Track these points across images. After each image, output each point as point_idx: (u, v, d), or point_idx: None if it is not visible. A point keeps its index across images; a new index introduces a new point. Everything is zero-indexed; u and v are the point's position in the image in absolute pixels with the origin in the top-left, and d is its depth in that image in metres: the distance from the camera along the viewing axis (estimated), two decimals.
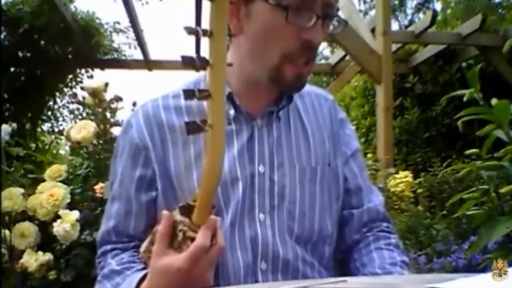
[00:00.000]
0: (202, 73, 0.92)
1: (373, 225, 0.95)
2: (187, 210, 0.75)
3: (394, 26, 9.77)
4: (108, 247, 0.89)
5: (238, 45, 0.87)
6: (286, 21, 0.79)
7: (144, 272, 0.80)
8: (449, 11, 8.14)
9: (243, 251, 0.83)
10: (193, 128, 0.69)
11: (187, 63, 0.67)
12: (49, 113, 5.93)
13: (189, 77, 0.95)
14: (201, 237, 0.72)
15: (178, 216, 0.75)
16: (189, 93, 0.67)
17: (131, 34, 5.32)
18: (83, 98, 2.37)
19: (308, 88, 0.97)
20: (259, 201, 0.85)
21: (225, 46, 0.67)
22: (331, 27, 0.85)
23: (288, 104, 0.91)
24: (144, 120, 0.88)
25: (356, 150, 0.99)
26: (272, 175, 0.86)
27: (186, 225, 0.74)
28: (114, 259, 0.87)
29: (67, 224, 1.84)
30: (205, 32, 0.66)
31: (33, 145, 4.79)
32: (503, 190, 1.14)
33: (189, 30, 0.67)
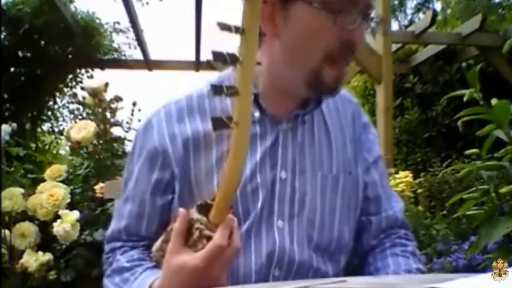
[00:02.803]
0: (223, 72, 0.92)
1: (391, 232, 0.94)
2: (204, 209, 0.74)
3: (394, 26, 9.77)
4: (118, 244, 0.89)
5: (270, 49, 0.84)
6: (334, 24, 0.77)
7: (157, 273, 0.80)
8: (449, 11, 8.14)
9: (257, 257, 0.82)
10: (218, 124, 0.68)
11: (218, 58, 0.66)
12: (49, 113, 5.92)
13: (213, 76, 0.94)
14: (219, 237, 0.71)
15: (195, 214, 0.75)
16: (217, 89, 0.67)
17: (131, 34, 5.31)
18: (83, 98, 2.38)
19: None
20: (279, 208, 0.84)
21: (256, 44, 0.66)
22: (369, 29, 0.84)
23: (316, 108, 0.90)
24: (166, 122, 0.87)
25: (378, 157, 0.98)
26: (293, 182, 0.85)
27: (203, 224, 0.73)
28: (123, 255, 0.87)
29: (67, 224, 1.84)
30: (237, 29, 0.65)
31: (33, 145, 4.79)
32: (503, 190, 1.14)
33: (223, 27, 0.67)
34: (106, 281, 0.88)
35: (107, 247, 0.92)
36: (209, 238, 0.73)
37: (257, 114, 0.86)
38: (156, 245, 0.82)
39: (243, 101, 0.67)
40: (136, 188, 0.88)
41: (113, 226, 0.91)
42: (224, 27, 0.67)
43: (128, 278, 0.83)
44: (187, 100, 0.89)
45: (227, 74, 0.90)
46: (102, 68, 5.41)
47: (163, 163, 0.86)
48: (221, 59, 0.66)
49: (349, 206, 0.91)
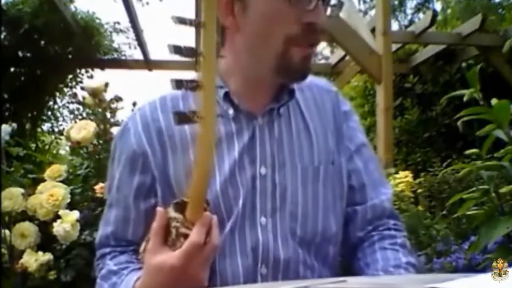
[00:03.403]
0: (195, 73, 0.92)
1: (378, 223, 0.92)
2: (181, 207, 0.74)
3: (394, 26, 9.76)
4: (107, 250, 0.89)
5: (233, 43, 0.85)
6: (290, 4, 0.78)
7: (140, 272, 0.80)
8: (449, 11, 8.14)
9: (243, 256, 0.82)
10: (182, 118, 0.68)
11: (176, 52, 0.66)
12: (49, 113, 5.92)
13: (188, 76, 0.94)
14: (195, 234, 0.71)
15: (172, 213, 0.74)
16: (178, 83, 0.66)
17: (131, 34, 5.32)
18: (83, 98, 2.38)
19: (309, 80, 0.94)
20: (261, 204, 0.84)
21: (215, 36, 0.66)
22: (329, 10, 0.84)
23: (290, 100, 0.89)
24: (142, 124, 0.86)
25: (360, 144, 0.96)
26: (274, 177, 0.85)
27: (179, 222, 0.73)
28: (112, 260, 0.87)
29: (67, 224, 1.84)
30: (193, 23, 0.65)
31: (33, 145, 4.78)
32: (503, 190, 1.14)
33: (178, 20, 0.66)
34: None
35: (97, 254, 0.91)
36: (186, 236, 0.72)
37: (231, 111, 0.85)
38: (142, 246, 0.82)
39: (207, 94, 0.67)
40: (119, 193, 0.88)
41: (101, 232, 0.91)
42: (180, 20, 0.66)
43: (115, 282, 0.83)
44: (161, 101, 0.89)
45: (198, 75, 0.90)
46: (102, 68, 5.41)
47: (143, 166, 0.85)
48: (178, 53, 0.66)
49: (334, 196, 0.89)
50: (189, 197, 0.73)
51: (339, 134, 0.93)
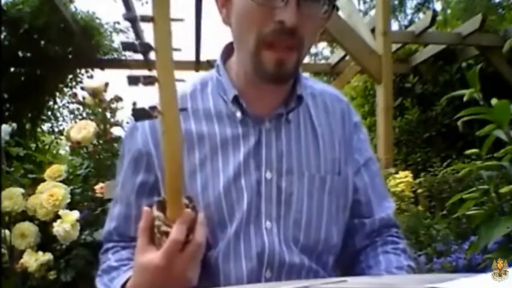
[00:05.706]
0: (208, 72, 0.92)
1: (383, 230, 0.94)
2: (162, 205, 0.74)
3: (394, 26, 9.76)
4: (110, 244, 0.90)
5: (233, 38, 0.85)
6: (261, 4, 0.75)
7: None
8: (449, 11, 8.14)
9: (247, 259, 0.82)
10: (140, 114, 0.67)
11: (128, 48, 0.66)
12: (49, 113, 5.93)
13: (195, 77, 0.93)
14: (174, 232, 0.71)
15: (155, 212, 0.74)
16: (133, 79, 0.66)
17: (131, 34, 5.32)
18: (83, 98, 2.38)
19: (321, 87, 0.94)
20: (266, 209, 0.83)
21: (169, 31, 0.65)
22: (323, 10, 0.79)
23: (298, 105, 0.87)
24: (149, 124, 0.87)
25: (369, 158, 0.96)
26: (279, 182, 0.84)
27: (160, 220, 0.73)
28: (114, 255, 0.88)
29: (67, 224, 1.84)
30: (145, 18, 0.64)
31: (33, 145, 4.79)
32: (503, 190, 1.14)
33: (127, 16, 0.66)
34: (96, 280, 0.88)
35: (102, 248, 0.92)
36: (167, 235, 0.72)
37: (238, 114, 0.85)
38: None
39: (165, 89, 0.66)
40: (123, 191, 0.89)
41: (106, 227, 0.92)
42: (129, 16, 0.66)
43: (114, 277, 0.84)
44: None
45: (210, 74, 0.90)
46: (102, 68, 5.41)
47: (147, 165, 0.86)
48: (131, 49, 0.66)
49: (338, 207, 0.89)
50: (166, 195, 0.72)
51: (347, 144, 0.93)
